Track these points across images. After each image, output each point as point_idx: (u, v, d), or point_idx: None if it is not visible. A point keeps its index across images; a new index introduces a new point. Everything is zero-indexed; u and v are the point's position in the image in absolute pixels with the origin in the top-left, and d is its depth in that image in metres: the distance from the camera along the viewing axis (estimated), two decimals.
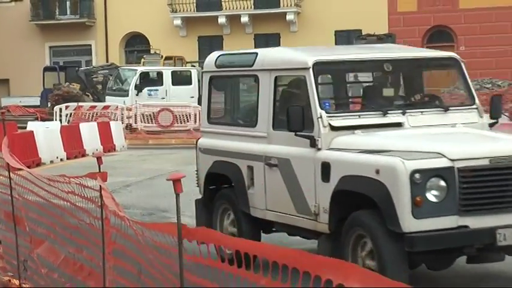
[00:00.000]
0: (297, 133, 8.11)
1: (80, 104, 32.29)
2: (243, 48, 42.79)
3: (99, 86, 36.80)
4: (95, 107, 32.08)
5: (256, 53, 9.33)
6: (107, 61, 41.52)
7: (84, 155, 24.10)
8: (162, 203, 13.90)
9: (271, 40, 40.83)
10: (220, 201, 9.68)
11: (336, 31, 39.38)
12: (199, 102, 36.54)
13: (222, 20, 40.94)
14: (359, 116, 8.43)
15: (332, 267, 3.38)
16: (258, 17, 40.64)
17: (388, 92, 9.13)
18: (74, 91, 34.84)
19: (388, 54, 9.07)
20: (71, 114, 31.22)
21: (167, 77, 34.37)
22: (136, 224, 5.55)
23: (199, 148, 10.09)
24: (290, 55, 9.05)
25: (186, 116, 31.69)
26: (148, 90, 33.87)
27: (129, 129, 30.80)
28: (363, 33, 36.56)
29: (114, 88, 34.56)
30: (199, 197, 10.12)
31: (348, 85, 10.17)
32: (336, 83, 9.66)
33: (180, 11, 41.60)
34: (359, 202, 7.65)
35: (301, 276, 3.58)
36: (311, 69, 8.28)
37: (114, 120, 29.48)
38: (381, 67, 8.92)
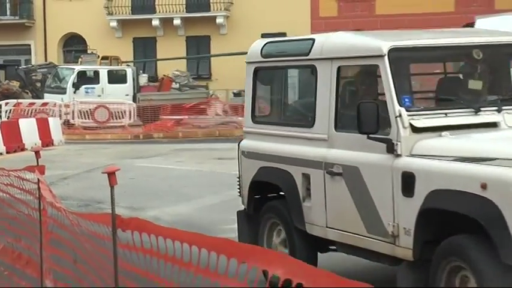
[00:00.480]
0: (370, 136, 6.27)
1: (20, 100, 31.95)
2: (176, 49, 42.43)
3: (38, 84, 36.24)
4: (33, 103, 31.71)
5: (313, 40, 7.39)
6: (46, 60, 40.87)
7: (23, 149, 23.71)
8: (98, 194, 13.75)
9: (202, 42, 40.74)
10: (268, 215, 7.81)
11: (262, 34, 39.36)
12: (134, 100, 36.43)
13: (155, 22, 40.64)
14: (446, 114, 6.45)
15: (257, 254, 3.38)
16: (189, 20, 40.46)
17: (475, 84, 7.09)
18: (13, 88, 34.28)
19: (477, 39, 7.02)
20: (10, 110, 30.79)
21: (103, 76, 34.13)
22: (72, 214, 5.48)
23: (241, 151, 8.19)
24: (358, 40, 6.98)
25: (121, 112, 31.63)
26: (85, 88, 33.58)
27: (67, 124, 30.47)
28: (288, 36, 36.66)
29: (52, 86, 34.13)
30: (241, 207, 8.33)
31: (428, 76, 7.93)
32: (415, 73, 7.60)
33: (115, 13, 41.17)
34: (456, 224, 5.86)
35: (228, 263, 3.57)
36: (386, 57, 6.37)
37: (52, 116, 29.08)
38: (470, 54, 6.89)
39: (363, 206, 6.56)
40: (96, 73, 34.32)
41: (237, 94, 36.02)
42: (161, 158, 21.69)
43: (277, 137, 7.67)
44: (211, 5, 40.22)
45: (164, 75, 37.64)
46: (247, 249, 3.42)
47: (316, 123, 7.17)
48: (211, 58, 40.17)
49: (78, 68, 34.47)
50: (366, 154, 6.52)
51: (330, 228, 6.99)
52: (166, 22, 40.52)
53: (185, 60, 40.28)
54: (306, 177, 7.19)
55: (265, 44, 8.06)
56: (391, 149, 6.27)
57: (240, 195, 8.31)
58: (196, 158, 21.36)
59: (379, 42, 6.57)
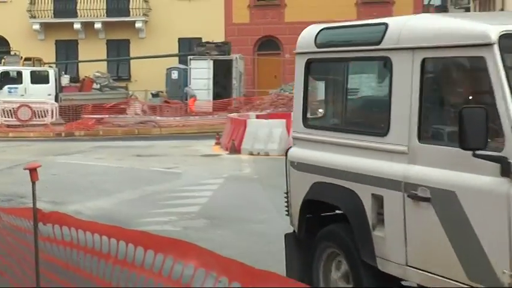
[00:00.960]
0: (477, 152, 4.51)
1: None
2: (97, 52, 41.74)
3: None
4: None
5: (386, 24, 5.48)
6: None
7: None
8: (20, 189, 13.42)
9: (121, 45, 40.31)
10: (325, 242, 5.99)
11: (179, 38, 39.31)
12: (56, 99, 35.76)
13: (77, 26, 40.01)
14: None
15: (172, 246, 3.35)
16: (110, 24, 39.96)
17: None
18: None
19: None
20: None
21: (26, 76, 33.52)
22: None
23: (290, 162, 6.35)
24: (452, 24, 5.10)
25: (44, 111, 31.18)
26: (8, 88, 32.91)
27: None
28: (203, 41, 36.71)
29: None
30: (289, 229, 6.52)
31: None
32: None
33: (38, 16, 40.35)
34: None
35: (145, 254, 3.54)
36: (496, 46, 4.58)
37: None
38: None
39: (462, 244, 4.76)
40: (19, 73, 33.65)
41: (155, 95, 35.82)
42: (82, 155, 21.36)
43: (337, 146, 5.81)
44: (131, 10, 39.84)
45: (85, 76, 37.18)
46: (162, 241, 3.40)
47: (391, 131, 5.32)
48: (131, 60, 39.79)
49: (1, 68, 33.77)
50: (467, 176, 4.71)
51: (411, 267, 5.14)
52: (88, 26, 39.94)
53: (106, 62, 39.83)
54: (378, 200, 5.38)
55: (321, 31, 6.15)
56: (507, 170, 4.47)
57: (287, 215, 6.49)
58: (116, 155, 21.12)
59: (484, 27, 4.75)
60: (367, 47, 5.65)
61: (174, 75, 35.59)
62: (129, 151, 21.89)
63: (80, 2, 39.82)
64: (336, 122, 6.27)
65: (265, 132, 20.13)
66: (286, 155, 6.46)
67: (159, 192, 13.74)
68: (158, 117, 31.11)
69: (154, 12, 39.73)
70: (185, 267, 3.26)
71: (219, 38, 37.54)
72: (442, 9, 43.41)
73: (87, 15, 39.87)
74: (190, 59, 34.96)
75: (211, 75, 34.48)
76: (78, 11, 40.05)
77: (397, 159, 5.24)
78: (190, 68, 34.77)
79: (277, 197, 13.01)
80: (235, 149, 20.29)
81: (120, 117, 31.42)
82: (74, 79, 37.84)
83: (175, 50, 38.73)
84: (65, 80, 36.39)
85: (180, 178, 15.90)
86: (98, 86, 35.77)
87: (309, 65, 6.28)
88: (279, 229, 10.17)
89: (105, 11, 39.92)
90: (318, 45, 6.16)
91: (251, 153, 19.89)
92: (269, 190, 13.79)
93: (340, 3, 37.52)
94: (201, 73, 34.29)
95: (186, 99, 33.45)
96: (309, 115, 6.38)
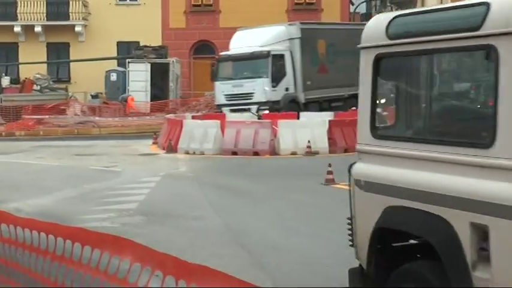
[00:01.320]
0: None
1: None
2: (37, 54, 40.95)
3: None
4: None
5: (487, 4, 4.12)
6: None
7: None
8: None
9: (61, 48, 39.69)
10: (406, 284, 4.53)
11: (118, 42, 38.91)
12: None
13: (17, 29, 39.23)
14: None
15: (109, 242, 3.31)
16: (50, 28, 39.29)
17: None
18: None
19: None
20: None
21: None
22: None
23: (356, 180, 5.01)
24: None
25: None
26: None
27: None
28: (141, 44, 36.46)
29: None
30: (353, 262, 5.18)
31: None
32: None
33: None
34: None
35: (82, 250, 3.49)
36: None
37: None
38: None
39: None
40: None
41: (95, 96, 35.42)
42: (23, 154, 20.95)
43: (420, 161, 4.49)
44: (71, 14, 39.28)
45: (26, 78, 36.51)
46: (99, 238, 3.35)
47: (498, 141, 4.02)
48: (71, 63, 39.23)
49: None
50: None
51: None
52: (28, 29, 39.21)
53: (46, 65, 39.17)
54: (479, 230, 4.07)
55: (394, 18, 4.82)
56: None
57: (351, 245, 5.16)
58: (57, 154, 20.78)
59: None
60: (461, 35, 4.25)
61: (113, 77, 35.25)
62: (69, 150, 21.57)
63: (20, 6, 39.06)
64: (418, 131, 4.90)
65: (200, 132, 20.10)
66: (349, 171, 5.08)
67: (98, 190, 13.56)
68: (97, 118, 30.74)
69: (94, 16, 39.25)
70: (121, 262, 3.23)
71: (156, 42, 37.32)
72: (367, 16, 44.09)
73: (28, 19, 39.15)
74: (128, 62, 34.70)
75: (148, 78, 34.31)
76: (18, 14, 39.29)
77: (508, 178, 3.94)
78: (128, 71, 34.50)
79: (211, 194, 13.03)
80: (172, 149, 20.19)
81: (60, 117, 30.96)
82: (15, 80, 37.13)
83: (114, 53, 38.35)
84: (6, 81, 35.69)
85: (119, 176, 15.74)
86: (38, 88, 35.20)
87: (378, 61, 4.91)
88: (213, 225, 10.18)
89: (45, 14, 39.26)
90: (390, 37, 4.79)
91: (187, 152, 19.83)
92: (204, 188, 13.77)
93: (272, 10, 37.69)
94: (139, 75, 34.09)
95: (125, 101, 33.19)
96: (378, 123, 5.00)
